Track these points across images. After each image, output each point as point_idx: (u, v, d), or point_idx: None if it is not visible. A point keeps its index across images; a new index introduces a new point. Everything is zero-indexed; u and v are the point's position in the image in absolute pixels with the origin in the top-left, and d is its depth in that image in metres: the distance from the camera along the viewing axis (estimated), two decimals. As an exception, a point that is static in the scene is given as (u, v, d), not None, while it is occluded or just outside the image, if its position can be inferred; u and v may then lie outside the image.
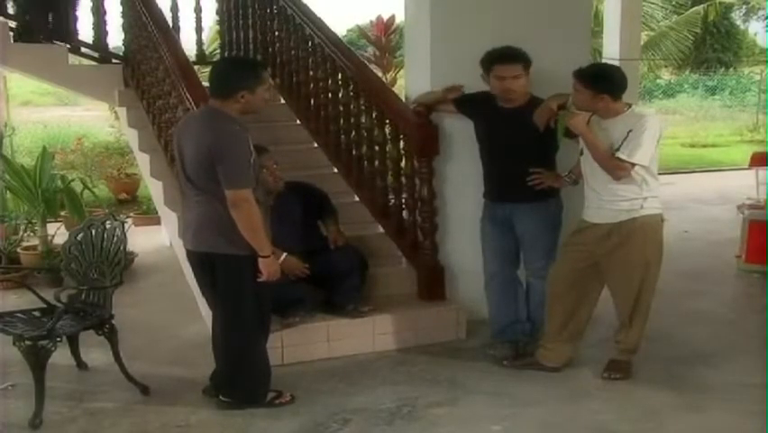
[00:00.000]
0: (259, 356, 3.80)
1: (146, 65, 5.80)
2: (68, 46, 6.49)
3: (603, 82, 3.88)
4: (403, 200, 4.90)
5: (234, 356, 3.75)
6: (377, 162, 5.06)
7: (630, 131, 3.79)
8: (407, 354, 4.49)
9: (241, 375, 3.78)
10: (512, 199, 4.32)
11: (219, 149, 3.46)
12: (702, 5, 14.15)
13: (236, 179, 3.46)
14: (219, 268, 3.64)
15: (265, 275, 3.59)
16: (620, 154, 3.80)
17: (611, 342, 4.22)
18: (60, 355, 3.95)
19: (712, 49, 23.10)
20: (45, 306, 4.11)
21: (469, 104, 4.45)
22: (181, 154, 3.65)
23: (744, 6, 19.26)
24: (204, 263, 3.71)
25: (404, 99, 5.06)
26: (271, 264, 3.61)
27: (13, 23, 6.43)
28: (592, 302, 4.17)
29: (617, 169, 3.83)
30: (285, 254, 4.11)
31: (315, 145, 5.83)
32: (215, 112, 3.59)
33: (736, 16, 22.67)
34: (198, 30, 6.99)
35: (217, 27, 7.64)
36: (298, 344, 4.34)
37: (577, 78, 3.92)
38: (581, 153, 4.06)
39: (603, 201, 3.95)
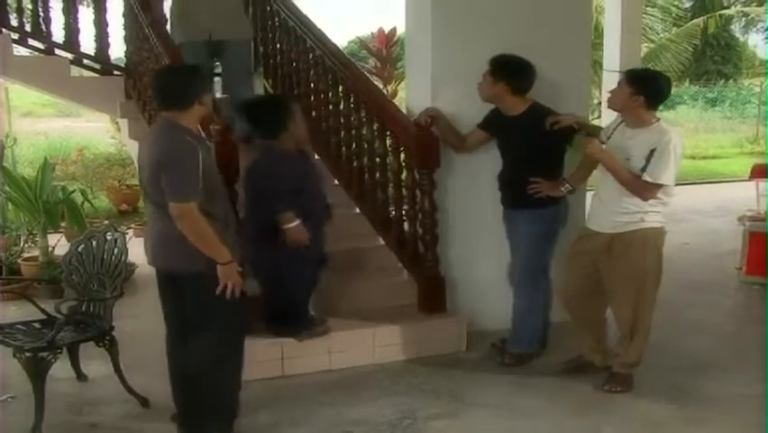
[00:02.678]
0: (219, 385, 3.53)
1: (148, 77, 5.80)
2: (71, 57, 6.50)
3: (643, 84, 3.86)
4: (404, 212, 4.90)
5: (194, 383, 3.50)
6: (378, 174, 5.07)
7: (653, 150, 3.77)
8: (408, 365, 4.49)
9: (197, 404, 3.54)
10: (507, 204, 4.48)
11: (165, 159, 3.28)
12: (702, 18, 14.18)
13: (179, 191, 3.25)
14: (184, 288, 3.42)
15: (225, 283, 3.33)
16: (646, 177, 3.79)
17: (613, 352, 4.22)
18: (60, 367, 3.96)
19: (712, 61, 23.17)
20: (45, 317, 4.10)
21: (488, 122, 4.55)
22: (141, 168, 3.49)
23: (743, 18, 19.28)
24: (168, 280, 3.51)
25: (405, 111, 5.07)
26: (231, 272, 3.35)
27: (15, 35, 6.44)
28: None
29: (645, 191, 3.83)
30: (298, 221, 4.03)
31: (316, 157, 5.82)
32: (171, 124, 3.38)
33: (736, 28, 22.71)
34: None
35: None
36: (299, 355, 4.33)
37: (624, 74, 3.95)
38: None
39: (606, 211, 3.97)
